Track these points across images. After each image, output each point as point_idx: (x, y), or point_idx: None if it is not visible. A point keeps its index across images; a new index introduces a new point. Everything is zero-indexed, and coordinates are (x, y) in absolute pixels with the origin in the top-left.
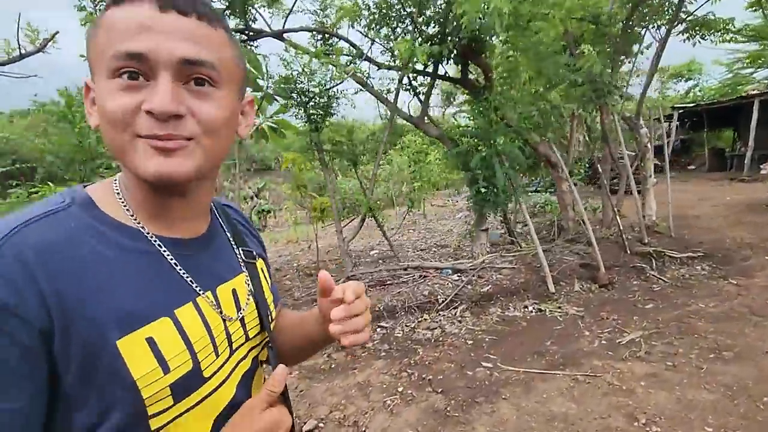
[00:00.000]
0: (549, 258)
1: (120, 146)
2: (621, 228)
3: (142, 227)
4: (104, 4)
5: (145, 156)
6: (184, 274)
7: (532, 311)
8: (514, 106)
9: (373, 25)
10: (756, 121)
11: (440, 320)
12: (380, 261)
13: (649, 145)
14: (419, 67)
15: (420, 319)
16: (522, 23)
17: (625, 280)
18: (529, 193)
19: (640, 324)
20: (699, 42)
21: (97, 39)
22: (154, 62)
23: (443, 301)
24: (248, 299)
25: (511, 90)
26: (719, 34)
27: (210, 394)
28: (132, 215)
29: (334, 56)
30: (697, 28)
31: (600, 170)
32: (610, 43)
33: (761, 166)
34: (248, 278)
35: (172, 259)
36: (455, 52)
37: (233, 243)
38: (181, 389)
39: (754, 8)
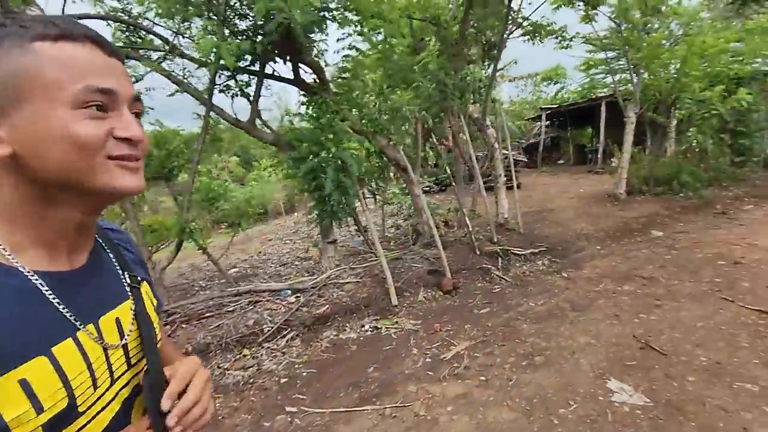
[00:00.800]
0: (399, 266)
1: (88, 168)
2: (470, 228)
3: (17, 263)
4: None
5: (120, 174)
6: (64, 309)
7: (368, 330)
8: (357, 107)
9: (178, 16)
10: (605, 119)
11: (261, 354)
12: (236, 283)
13: (496, 144)
14: (242, 64)
15: (238, 356)
16: (355, 21)
17: (470, 283)
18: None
19: (470, 333)
20: (541, 44)
21: (44, 71)
22: (118, 98)
23: (269, 331)
24: (132, 326)
25: (351, 91)
26: (557, 39)
27: (85, 425)
28: (7, 252)
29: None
30: (534, 32)
31: (450, 171)
32: (449, 45)
33: (611, 159)
34: (133, 304)
35: (51, 295)
36: (269, 49)
37: (118, 268)
38: (55, 426)
39: (586, 21)
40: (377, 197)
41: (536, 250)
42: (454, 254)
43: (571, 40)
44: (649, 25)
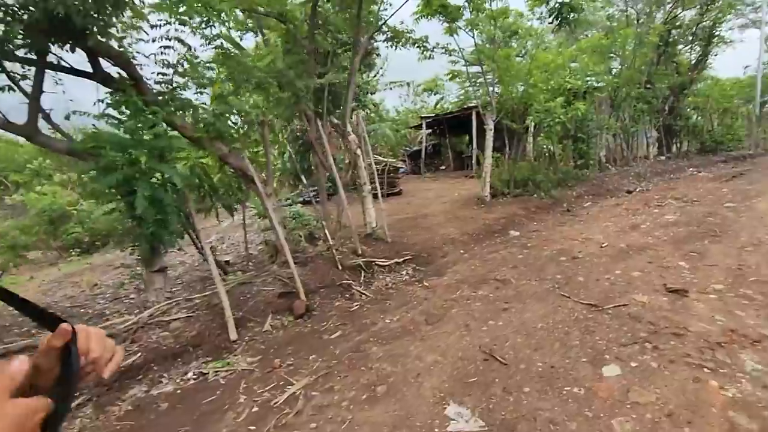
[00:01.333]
0: (248, 291)
1: None
2: (330, 241)
3: None
4: None
5: None
6: None
7: (191, 379)
8: (185, 108)
9: None
10: (475, 128)
11: None
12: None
13: (359, 151)
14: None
15: None
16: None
17: (327, 302)
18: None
19: (313, 365)
20: (404, 49)
21: None
22: None
23: None
24: None
25: (176, 89)
26: (418, 48)
27: None
28: None
29: None
30: (393, 38)
31: (304, 180)
32: (298, 43)
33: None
34: None
35: None
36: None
37: None
38: None
39: (449, 33)
40: (236, 211)
41: (401, 260)
42: (313, 271)
43: (432, 50)
44: (501, 41)
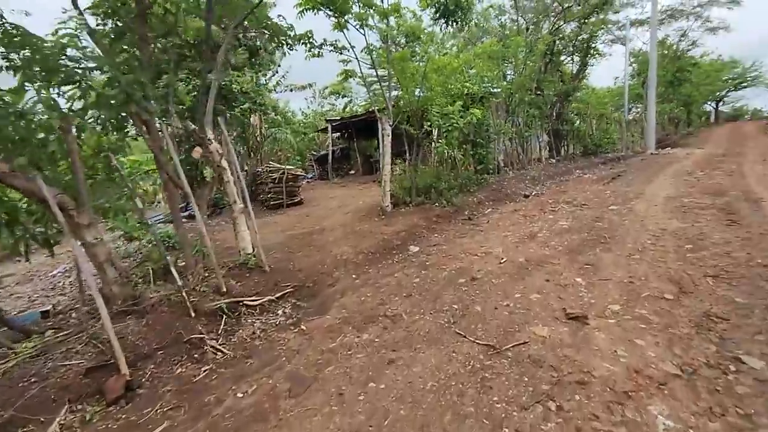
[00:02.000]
0: (42, 368)
1: None
2: (179, 281)
3: None
4: None
5: None
6: None
7: None
8: None
9: None
10: (380, 131)
11: None
12: None
13: (225, 163)
14: None
15: None
16: None
17: (165, 371)
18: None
19: None
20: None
21: None
22: None
23: None
24: None
25: None
26: (304, 45)
27: None
28: None
29: None
30: (274, 34)
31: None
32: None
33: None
34: None
35: None
36: None
37: None
38: None
39: (338, 29)
40: (58, 244)
41: (279, 295)
42: (153, 325)
43: (320, 47)
44: (396, 42)
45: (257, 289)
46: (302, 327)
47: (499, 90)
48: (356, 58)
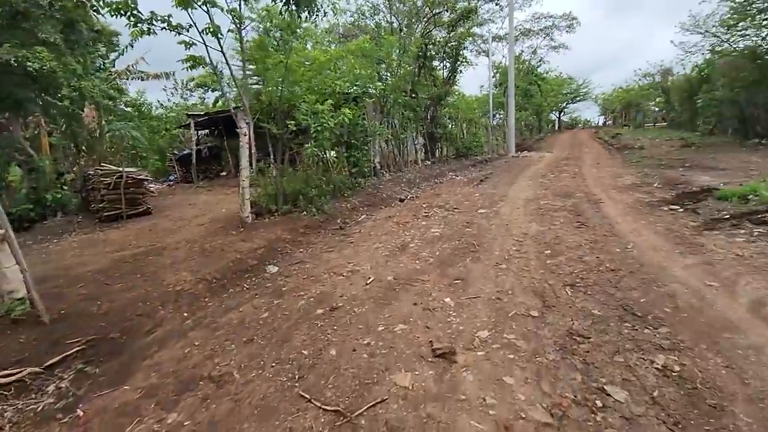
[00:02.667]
0: None
1: None
2: None
3: None
4: None
5: None
6: None
7: None
8: None
9: None
10: (253, 129)
11: None
12: None
13: None
14: None
15: None
16: None
17: None
18: None
19: None
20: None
21: None
22: None
23: None
24: None
25: None
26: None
27: None
28: None
29: None
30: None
31: None
32: None
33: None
34: None
35: None
36: None
37: None
38: None
39: (181, 6)
40: None
41: (55, 360)
42: None
43: (150, 22)
44: (257, 29)
45: (23, 354)
46: (79, 409)
47: (373, 90)
48: (204, 43)
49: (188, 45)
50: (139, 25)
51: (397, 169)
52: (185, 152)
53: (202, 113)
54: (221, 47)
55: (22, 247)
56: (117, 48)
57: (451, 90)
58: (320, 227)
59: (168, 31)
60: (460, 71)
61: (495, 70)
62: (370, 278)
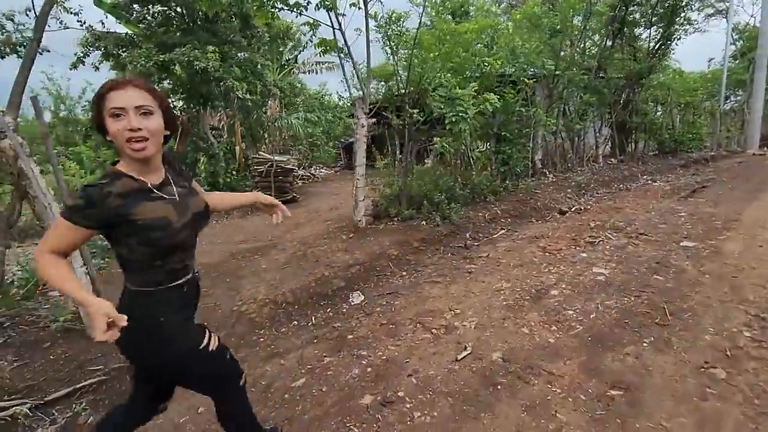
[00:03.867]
0: None
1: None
2: None
3: (138, 177)
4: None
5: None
6: (156, 192)
7: None
8: None
9: None
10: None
11: None
12: None
13: (23, 165)
14: None
15: None
16: None
17: None
18: None
19: None
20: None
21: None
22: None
23: None
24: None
25: None
26: None
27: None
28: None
29: None
30: None
31: None
32: None
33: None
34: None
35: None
36: None
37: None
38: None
39: None
40: None
41: (57, 395)
42: None
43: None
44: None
45: (40, 377)
46: None
47: (539, 70)
48: (333, 26)
49: (313, 26)
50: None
51: (566, 169)
52: (349, 141)
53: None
54: (339, 24)
55: None
56: (292, 41)
57: (660, 65)
58: (440, 242)
59: (288, 11)
60: (677, 39)
61: (736, 36)
62: (466, 348)
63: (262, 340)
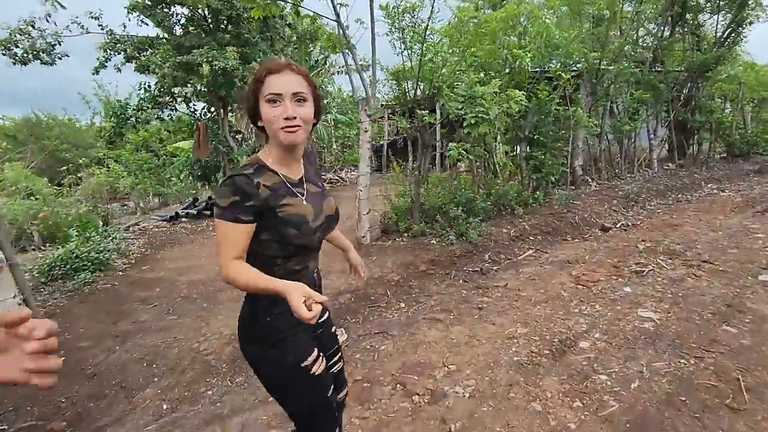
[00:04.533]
0: None
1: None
2: None
3: (278, 171)
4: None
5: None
6: (296, 190)
7: None
8: None
9: None
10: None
11: None
12: None
13: None
14: None
15: None
16: None
17: None
18: None
19: None
20: None
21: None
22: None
23: None
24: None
25: None
26: None
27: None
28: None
29: None
30: None
31: None
32: None
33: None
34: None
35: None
36: None
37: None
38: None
39: None
40: None
41: None
42: None
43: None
44: None
45: None
46: None
47: (579, 64)
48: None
49: (313, 20)
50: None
51: (612, 176)
52: (380, 143)
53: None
54: (337, 15)
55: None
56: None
57: (729, 55)
58: (452, 265)
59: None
60: (749, 24)
61: None
62: (456, 426)
63: (209, 393)
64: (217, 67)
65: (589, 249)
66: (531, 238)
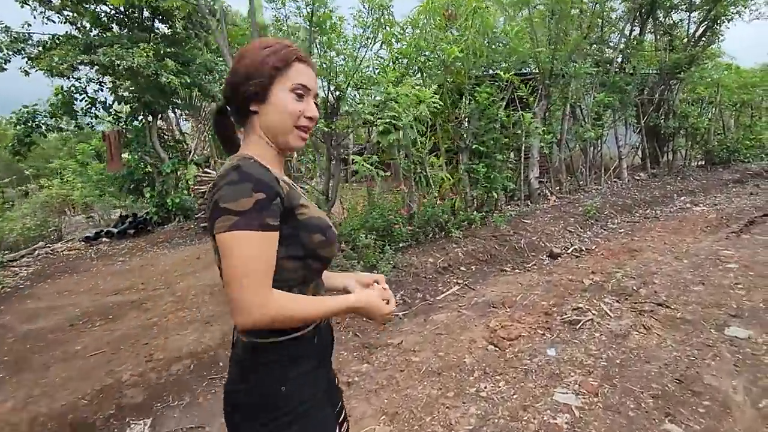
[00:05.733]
0: None
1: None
2: None
3: (273, 171)
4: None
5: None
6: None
7: None
8: None
9: None
10: None
11: None
12: None
13: None
14: None
15: None
16: None
17: None
18: None
19: None
20: None
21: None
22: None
23: None
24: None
25: None
26: None
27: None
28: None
29: None
30: None
31: None
32: None
33: None
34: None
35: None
36: None
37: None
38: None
39: None
40: None
41: None
42: None
43: None
44: None
45: None
46: None
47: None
48: None
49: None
50: None
51: (575, 188)
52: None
53: None
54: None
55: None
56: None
57: (704, 54)
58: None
59: None
60: (727, 21)
61: None
62: None
63: None
64: (121, 67)
65: (526, 284)
66: (462, 269)
